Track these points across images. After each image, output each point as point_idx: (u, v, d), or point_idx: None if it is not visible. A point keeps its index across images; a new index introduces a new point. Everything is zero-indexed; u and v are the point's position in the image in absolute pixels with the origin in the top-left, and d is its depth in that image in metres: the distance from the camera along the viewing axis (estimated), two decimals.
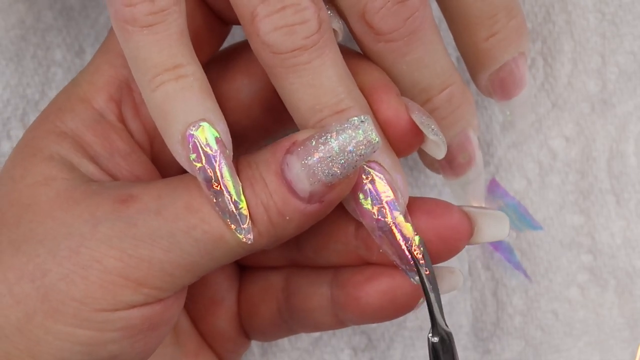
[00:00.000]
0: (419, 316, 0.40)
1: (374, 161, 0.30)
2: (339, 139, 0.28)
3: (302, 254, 0.34)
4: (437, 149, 0.31)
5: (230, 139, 0.29)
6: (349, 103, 0.30)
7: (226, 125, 0.29)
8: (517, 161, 0.40)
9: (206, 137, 0.28)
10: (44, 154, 0.31)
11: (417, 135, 0.31)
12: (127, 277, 0.29)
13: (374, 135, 0.28)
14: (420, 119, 0.31)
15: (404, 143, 0.31)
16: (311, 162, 0.28)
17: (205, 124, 0.28)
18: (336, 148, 0.28)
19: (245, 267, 0.36)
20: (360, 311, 0.32)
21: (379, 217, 0.30)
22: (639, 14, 0.40)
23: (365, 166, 0.30)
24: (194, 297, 0.36)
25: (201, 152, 0.28)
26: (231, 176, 0.29)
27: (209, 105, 0.29)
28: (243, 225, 0.29)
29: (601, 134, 0.40)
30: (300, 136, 0.29)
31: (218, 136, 0.28)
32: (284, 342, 0.40)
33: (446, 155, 0.33)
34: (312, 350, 0.40)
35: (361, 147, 0.28)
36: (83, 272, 0.29)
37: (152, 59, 0.28)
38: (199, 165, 0.28)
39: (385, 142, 0.30)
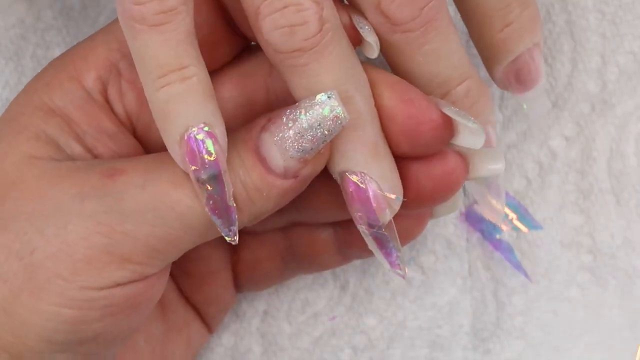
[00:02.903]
0: (419, 316, 0.40)
1: (361, 172, 0.30)
2: (307, 115, 0.29)
3: (303, 215, 0.34)
4: (477, 137, 0.31)
5: (227, 142, 0.29)
6: (347, 109, 0.30)
7: (224, 129, 0.29)
8: (517, 161, 0.40)
9: (204, 140, 0.28)
10: (30, 132, 0.31)
11: (450, 130, 0.31)
12: (112, 252, 0.29)
13: (340, 111, 0.29)
14: (452, 111, 0.31)
15: (436, 139, 0.31)
16: (283, 138, 0.29)
17: (205, 128, 0.28)
18: (305, 124, 0.29)
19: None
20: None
21: (369, 221, 0.30)
22: (639, 14, 0.40)
23: (351, 175, 0.30)
24: (189, 271, 0.37)
25: (198, 155, 0.28)
26: (225, 180, 0.29)
27: (211, 108, 0.29)
28: (231, 227, 0.29)
29: (601, 134, 0.40)
30: (275, 113, 0.29)
31: (216, 140, 0.29)
32: (284, 341, 0.40)
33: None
34: (313, 350, 0.40)
35: (328, 123, 0.29)
36: (69, 250, 0.29)
37: (158, 59, 0.28)
38: (193, 167, 0.28)
39: (387, 148, 0.31)
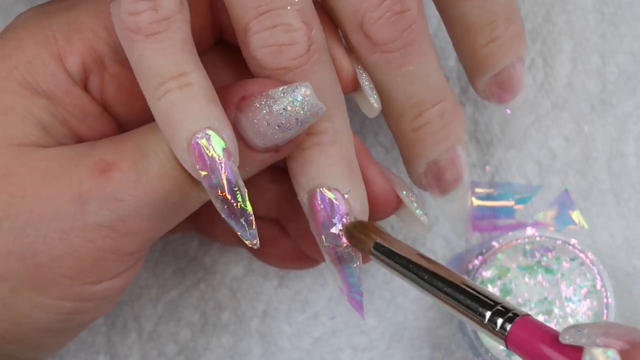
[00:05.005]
0: (419, 316, 0.40)
1: (335, 188, 0.30)
2: (284, 106, 0.29)
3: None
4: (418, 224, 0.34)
5: (237, 145, 0.29)
6: (326, 126, 0.30)
7: (232, 133, 0.29)
8: (517, 161, 0.41)
9: (212, 145, 0.28)
10: (18, 114, 0.30)
11: (396, 208, 0.33)
12: (116, 251, 0.30)
13: (316, 102, 0.29)
14: (404, 195, 0.33)
15: (384, 213, 0.33)
16: (259, 125, 0.29)
17: (211, 132, 0.28)
18: (282, 118, 0.29)
19: None
20: None
21: (328, 242, 0.31)
22: (639, 15, 0.40)
23: (326, 191, 0.30)
24: None
25: (207, 160, 0.28)
26: (237, 183, 0.29)
27: (215, 112, 0.29)
28: (250, 230, 0.29)
29: (601, 134, 0.40)
30: (248, 90, 0.29)
31: (224, 144, 0.28)
32: (284, 342, 0.40)
33: (434, 172, 0.33)
34: (313, 350, 0.40)
35: (307, 116, 0.29)
36: (75, 253, 0.29)
37: (157, 67, 0.28)
38: (204, 173, 0.28)
39: (359, 169, 0.31)
